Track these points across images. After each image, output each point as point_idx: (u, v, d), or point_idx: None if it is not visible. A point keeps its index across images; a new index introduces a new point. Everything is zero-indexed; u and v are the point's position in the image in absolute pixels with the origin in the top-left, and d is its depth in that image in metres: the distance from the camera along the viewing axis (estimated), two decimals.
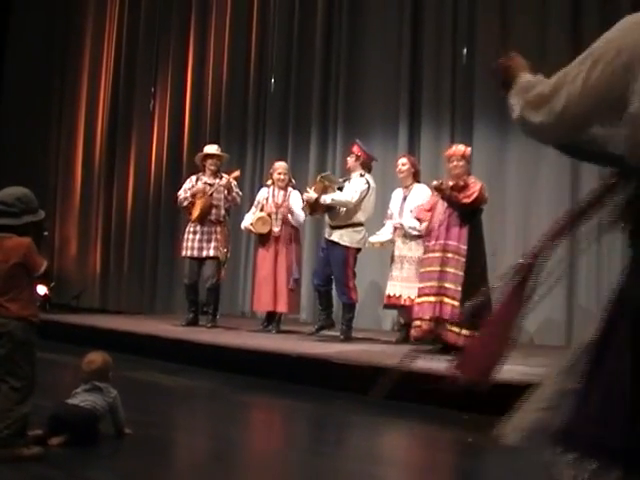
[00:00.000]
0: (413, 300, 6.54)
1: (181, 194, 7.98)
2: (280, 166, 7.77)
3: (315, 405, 5.16)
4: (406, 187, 7.05)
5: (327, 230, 7.07)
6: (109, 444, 3.75)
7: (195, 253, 7.80)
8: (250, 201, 8.05)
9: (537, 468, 1.72)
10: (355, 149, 7.07)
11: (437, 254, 5.96)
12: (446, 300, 5.82)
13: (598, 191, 1.82)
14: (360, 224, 6.92)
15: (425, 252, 6.19)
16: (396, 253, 6.91)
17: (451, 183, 6.05)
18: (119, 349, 5.66)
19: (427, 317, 5.89)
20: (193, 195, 7.85)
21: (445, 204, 6.05)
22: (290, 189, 7.66)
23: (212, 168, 7.94)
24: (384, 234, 7.05)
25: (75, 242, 11.94)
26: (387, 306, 7.13)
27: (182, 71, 10.72)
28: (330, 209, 6.95)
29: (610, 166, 1.84)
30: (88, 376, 3.78)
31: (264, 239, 7.55)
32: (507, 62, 1.87)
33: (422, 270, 6.14)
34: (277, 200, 7.58)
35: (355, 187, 6.88)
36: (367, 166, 7.04)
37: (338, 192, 6.93)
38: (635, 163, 1.70)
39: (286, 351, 6.05)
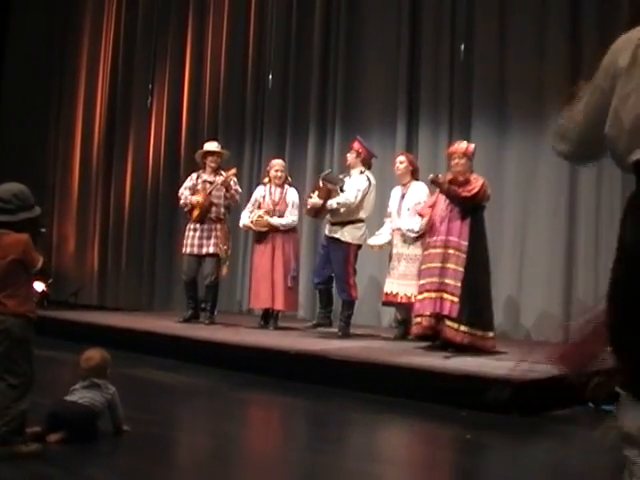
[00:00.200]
0: (410, 298, 6.55)
1: (182, 195, 7.97)
2: (277, 163, 7.76)
3: (314, 402, 5.16)
4: (404, 185, 7.03)
5: (327, 227, 7.04)
6: (107, 441, 3.74)
7: (195, 250, 7.79)
8: (248, 198, 8.04)
9: (535, 465, 1.72)
10: (356, 145, 7.04)
11: (438, 250, 5.94)
12: (445, 296, 5.82)
13: None
14: (361, 220, 6.90)
15: (426, 248, 6.16)
16: (394, 251, 6.90)
17: (450, 176, 6.05)
18: (117, 346, 5.64)
19: (428, 313, 5.88)
20: (193, 193, 7.85)
21: (447, 200, 6.04)
22: (287, 186, 7.66)
23: (212, 165, 7.93)
24: (382, 236, 7.03)
25: (73, 239, 11.93)
26: (385, 303, 7.13)
27: (180, 68, 10.70)
28: (333, 210, 6.93)
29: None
30: (86, 373, 3.76)
31: (261, 236, 7.55)
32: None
33: (423, 267, 6.12)
34: (274, 197, 7.57)
35: (357, 185, 6.85)
36: (367, 163, 7.02)
37: (341, 194, 6.87)
38: (616, 162, 1.84)
39: (285, 348, 6.04)
